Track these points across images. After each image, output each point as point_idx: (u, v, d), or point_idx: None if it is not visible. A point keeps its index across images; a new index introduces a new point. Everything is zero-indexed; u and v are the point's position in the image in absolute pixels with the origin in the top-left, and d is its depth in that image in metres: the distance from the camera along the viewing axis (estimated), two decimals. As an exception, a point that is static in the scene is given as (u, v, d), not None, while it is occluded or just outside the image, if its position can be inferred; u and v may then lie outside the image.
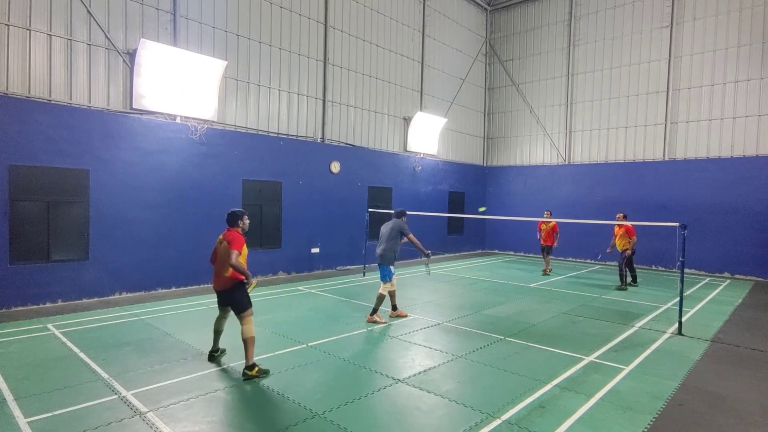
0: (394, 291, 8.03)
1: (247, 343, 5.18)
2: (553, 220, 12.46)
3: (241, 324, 5.26)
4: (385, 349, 6.37)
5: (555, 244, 13.13)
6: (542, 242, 13.34)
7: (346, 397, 4.73)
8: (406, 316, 8.09)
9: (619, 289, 11.08)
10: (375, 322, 7.65)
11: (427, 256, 7.88)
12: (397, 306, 8.15)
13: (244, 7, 11.24)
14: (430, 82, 16.88)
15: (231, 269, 5.18)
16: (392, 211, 14.32)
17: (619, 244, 11.34)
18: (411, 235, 7.81)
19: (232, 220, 5.45)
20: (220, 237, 5.46)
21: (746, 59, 13.55)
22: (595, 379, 5.34)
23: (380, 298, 7.71)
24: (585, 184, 16.70)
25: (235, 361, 5.67)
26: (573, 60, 17.13)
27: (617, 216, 11.57)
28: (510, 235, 18.37)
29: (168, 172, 9.79)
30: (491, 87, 19.71)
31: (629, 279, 11.49)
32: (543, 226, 13.31)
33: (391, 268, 7.73)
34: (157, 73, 9.40)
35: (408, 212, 14.47)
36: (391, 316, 8.01)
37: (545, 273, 13.28)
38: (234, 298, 5.32)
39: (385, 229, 7.96)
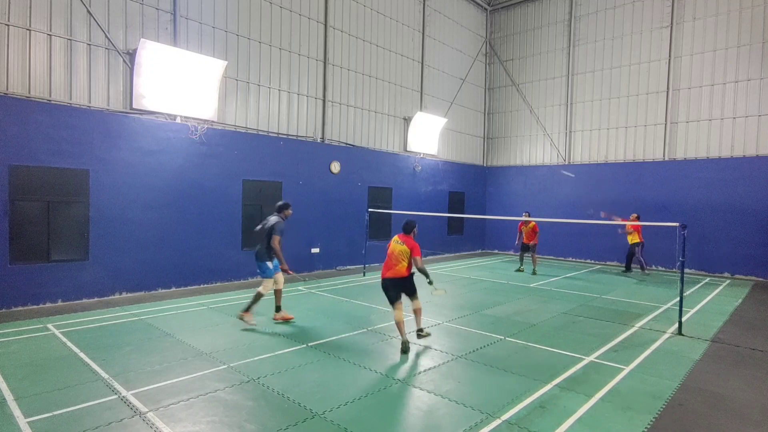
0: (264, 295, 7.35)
1: (418, 312, 6.67)
2: (533, 220, 12.89)
3: (415, 300, 6.59)
4: (385, 349, 6.36)
5: (534, 241, 13.37)
6: (524, 241, 13.51)
7: (346, 397, 4.73)
8: (253, 324, 7.24)
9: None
10: (242, 320, 7.16)
11: (285, 271, 7.18)
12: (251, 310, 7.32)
13: (244, 7, 11.24)
14: (430, 82, 16.88)
15: (407, 263, 6.42)
16: (389, 210, 14.48)
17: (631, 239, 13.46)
18: (275, 238, 7.14)
19: (409, 228, 6.64)
20: (397, 238, 6.60)
21: (746, 59, 13.55)
22: (595, 379, 5.34)
23: (258, 297, 7.23)
24: (585, 184, 16.69)
25: (235, 361, 5.67)
26: (573, 60, 17.13)
27: (633, 216, 13.63)
28: (510, 236, 18.30)
29: (168, 172, 9.79)
30: (491, 87, 19.71)
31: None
32: (523, 227, 13.57)
33: (268, 263, 7.33)
34: (157, 73, 9.40)
35: (408, 212, 14.63)
36: (275, 319, 7.48)
37: (532, 273, 13.35)
38: (411, 284, 6.55)
39: (268, 223, 7.44)
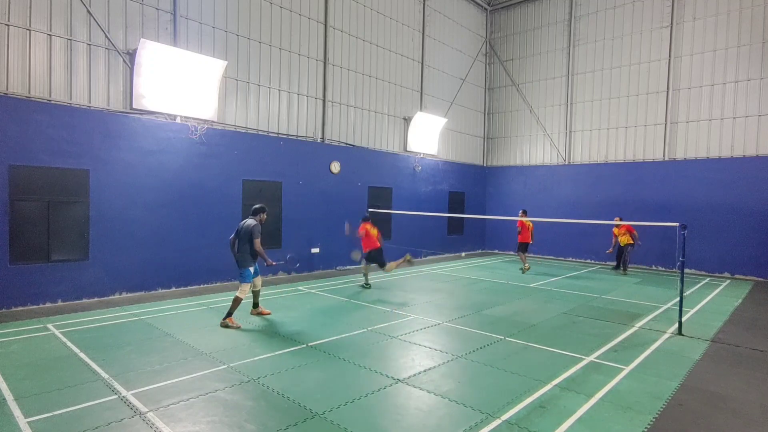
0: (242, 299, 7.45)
1: (392, 266, 10.63)
2: (524, 219, 13.26)
3: (387, 266, 10.57)
4: (385, 349, 6.37)
5: (530, 240, 13.81)
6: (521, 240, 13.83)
7: (346, 397, 4.73)
8: (238, 326, 7.21)
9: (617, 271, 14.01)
10: (228, 326, 7.14)
11: (270, 265, 7.43)
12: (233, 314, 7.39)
13: (244, 7, 11.24)
14: (430, 82, 16.88)
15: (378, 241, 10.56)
16: (389, 210, 14.48)
17: (623, 240, 13.73)
18: (257, 242, 7.24)
19: (369, 217, 10.96)
20: (370, 226, 10.63)
21: (746, 59, 13.55)
22: (595, 379, 5.34)
23: (236, 301, 7.31)
24: (585, 184, 16.69)
25: (235, 361, 5.68)
26: (573, 60, 17.13)
27: (616, 219, 13.66)
28: (510, 236, 18.31)
29: (168, 172, 9.79)
30: (491, 87, 19.71)
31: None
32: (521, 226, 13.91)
33: (251, 269, 7.38)
34: (157, 73, 9.40)
35: (408, 212, 14.67)
36: (221, 325, 7.23)
37: (524, 270, 13.64)
38: (383, 255, 10.54)
39: (243, 227, 7.47)
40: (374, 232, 10.54)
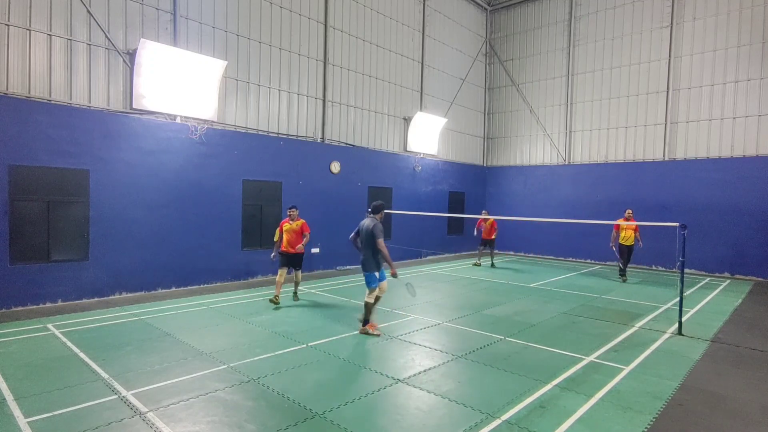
0: (371, 303, 7.01)
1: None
2: (491, 217, 14.37)
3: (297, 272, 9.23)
4: (385, 349, 6.37)
5: (494, 236, 14.68)
6: (483, 237, 14.71)
7: (346, 397, 4.73)
8: (377, 335, 6.90)
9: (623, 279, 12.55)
10: (368, 333, 6.91)
11: (394, 275, 6.80)
12: (370, 321, 7.04)
13: (244, 7, 11.24)
14: (430, 82, 16.87)
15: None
16: (389, 210, 14.47)
17: (631, 237, 12.38)
18: (381, 241, 6.72)
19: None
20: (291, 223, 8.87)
21: (746, 59, 13.54)
22: (595, 379, 5.34)
23: (367, 306, 6.95)
24: (585, 184, 16.69)
25: (235, 361, 5.68)
26: (573, 60, 17.13)
27: (628, 212, 12.59)
28: (510, 235, 18.36)
29: (168, 172, 9.79)
30: (491, 87, 19.70)
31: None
32: (483, 224, 14.71)
33: (375, 274, 6.92)
34: (157, 73, 9.40)
35: (408, 212, 14.72)
36: (360, 332, 7.01)
37: (478, 264, 14.90)
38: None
39: (363, 228, 6.99)
40: (293, 226, 8.72)
